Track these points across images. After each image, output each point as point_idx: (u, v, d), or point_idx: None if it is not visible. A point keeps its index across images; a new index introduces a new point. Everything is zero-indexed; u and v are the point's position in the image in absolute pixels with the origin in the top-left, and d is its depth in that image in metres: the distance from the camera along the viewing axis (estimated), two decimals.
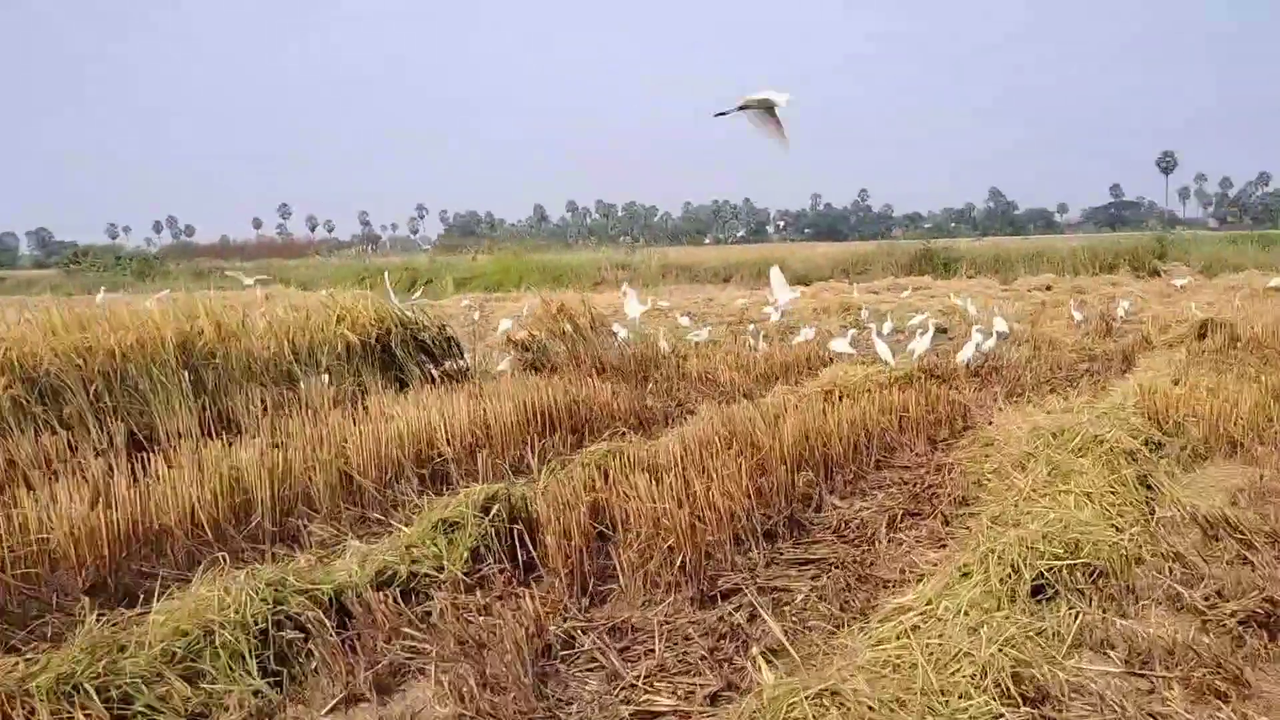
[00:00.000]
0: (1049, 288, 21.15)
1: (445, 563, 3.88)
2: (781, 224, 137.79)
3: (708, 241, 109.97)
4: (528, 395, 6.56)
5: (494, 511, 4.14)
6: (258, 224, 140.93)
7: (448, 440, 5.80)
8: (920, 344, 10.48)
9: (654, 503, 4.21)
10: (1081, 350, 11.22)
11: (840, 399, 7.17)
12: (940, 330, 13.60)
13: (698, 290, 25.16)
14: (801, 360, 10.04)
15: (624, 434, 6.10)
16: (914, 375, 8.34)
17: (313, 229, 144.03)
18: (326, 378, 7.30)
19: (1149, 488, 5.01)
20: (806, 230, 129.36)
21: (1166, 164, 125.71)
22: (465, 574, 3.90)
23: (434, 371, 7.90)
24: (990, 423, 6.94)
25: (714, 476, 4.66)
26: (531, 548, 4.17)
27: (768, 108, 5.07)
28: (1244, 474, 5.62)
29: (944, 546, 4.55)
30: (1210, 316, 11.17)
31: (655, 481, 4.53)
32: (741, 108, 5.06)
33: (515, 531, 4.11)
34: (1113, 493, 4.66)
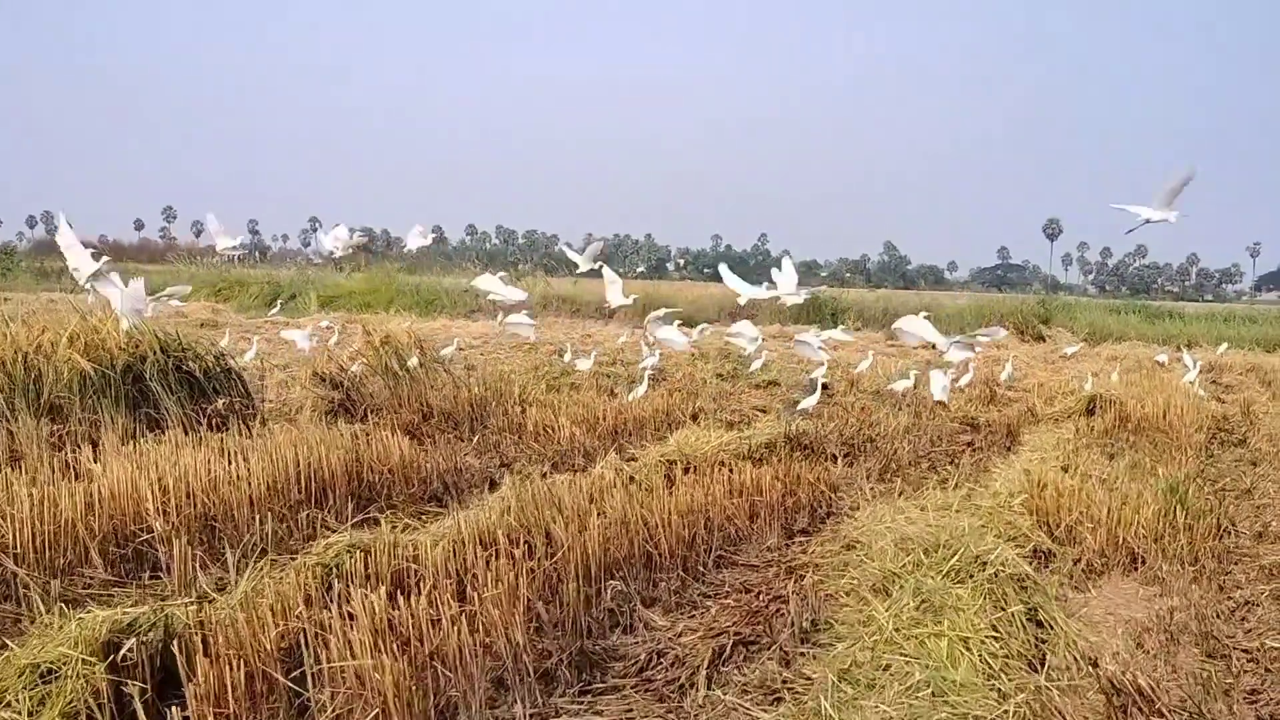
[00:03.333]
0: (934, 346, 20.61)
1: None
2: (682, 262, 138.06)
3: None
4: (295, 452, 5.23)
5: (126, 649, 2.83)
6: (139, 225, 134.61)
7: (161, 511, 4.44)
8: (808, 401, 9.71)
9: (373, 641, 2.96)
10: (964, 418, 10.41)
11: (685, 472, 6.04)
12: (824, 387, 12.72)
13: (577, 326, 23.99)
14: (660, 414, 8.94)
15: (410, 516, 4.83)
16: (776, 444, 7.29)
17: (198, 234, 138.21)
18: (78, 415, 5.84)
19: (1039, 623, 3.99)
20: (706, 270, 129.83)
21: (1052, 231, 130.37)
22: None
23: (204, 411, 6.45)
24: (856, 508, 5.93)
25: (480, 595, 3.44)
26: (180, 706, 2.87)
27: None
28: (1147, 600, 4.68)
29: (778, 701, 3.42)
30: (1099, 392, 10.49)
31: (394, 600, 3.29)
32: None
33: (142, 687, 2.79)
34: (995, 636, 3.60)
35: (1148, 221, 6.44)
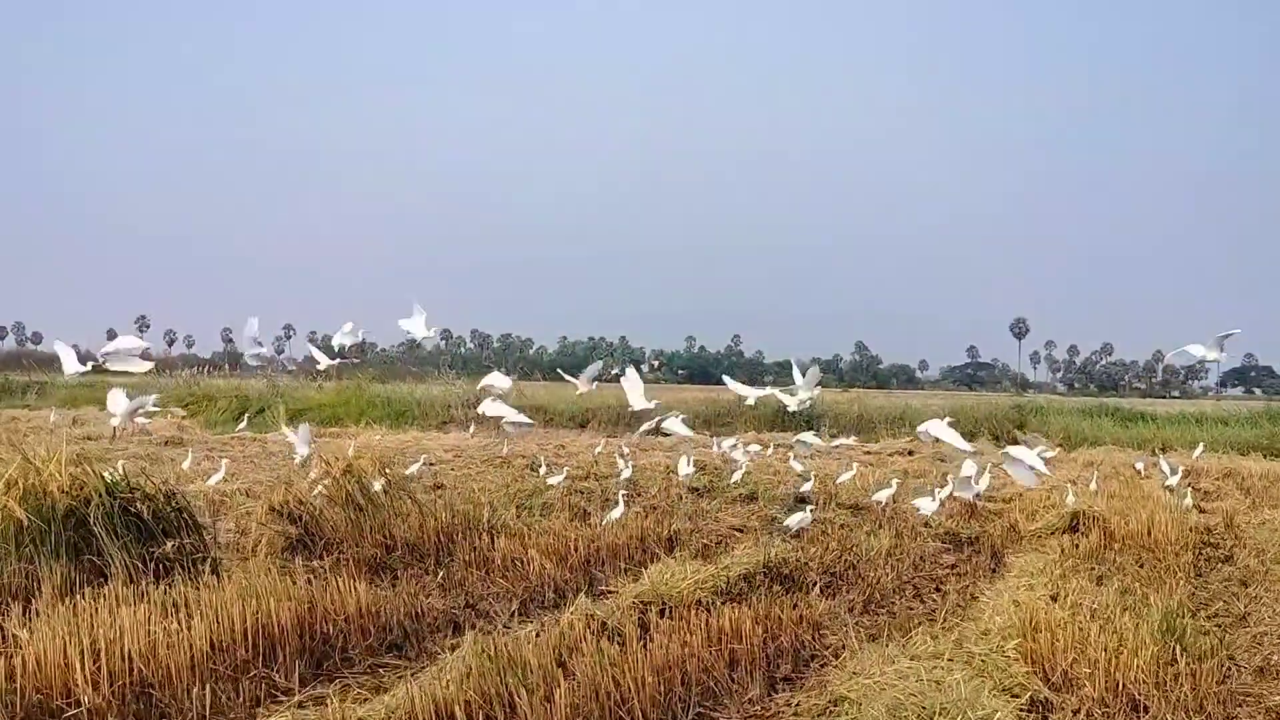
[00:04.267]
0: (911, 453, 20.48)
1: None
2: (656, 364, 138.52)
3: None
4: (241, 605, 4.89)
5: None
6: (112, 335, 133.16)
7: (91, 681, 4.08)
8: (797, 520, 9.37)
9: None
10: (945, 535, 10.16)
11: (661, 615, 5.73)
12: (800, 500, 12.47)
13: (551, 436, 23.72)
14: (634, 540, 8.62)
15: (357, 682, 4.48)
16: (755, 575, 7.00)
17: (170, 344, 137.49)
18: None
19: None
20: (680, 371, 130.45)
21: (1019, 330, 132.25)
22: None
23: (152, 555, 6.05)
24: (843, 648, 5.63)
25: None
26: None
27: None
28: None
29: None
30: (1082, 508, 10.30)
31: None
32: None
33: None
34: None
35: (1202, 360, 7.44)
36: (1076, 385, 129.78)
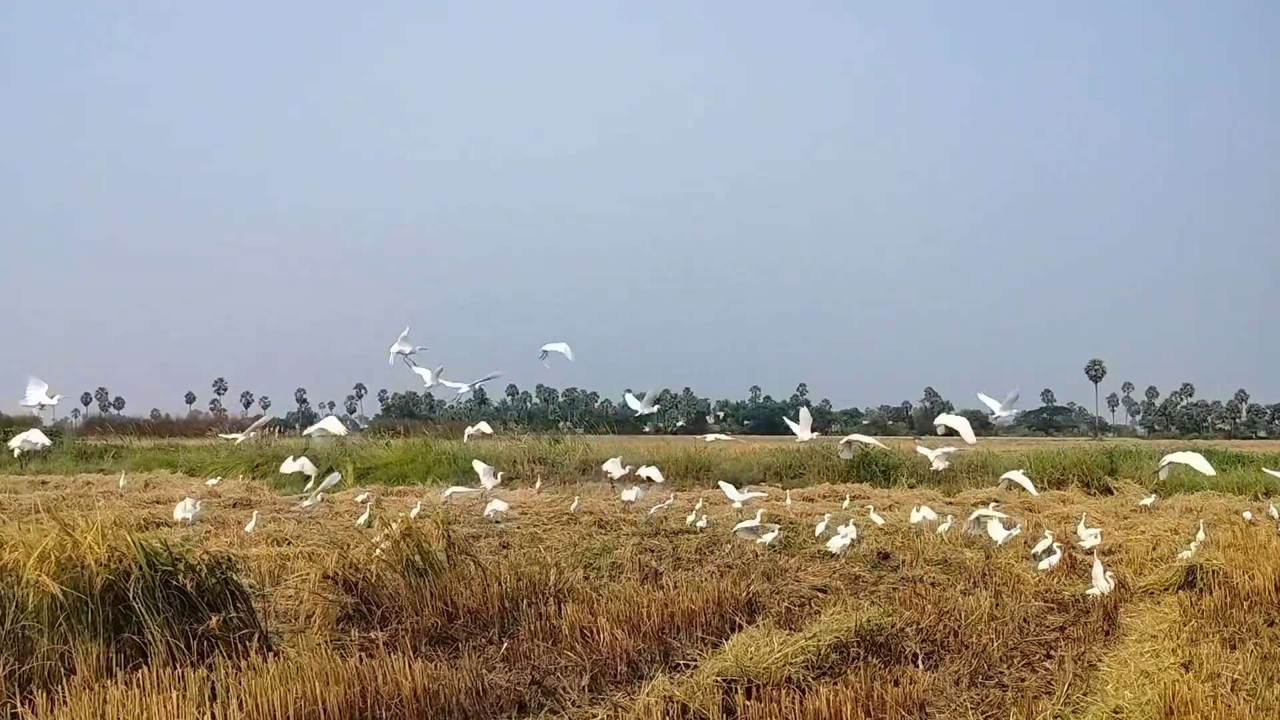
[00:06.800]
0: (997, 501, 19.50)
1: None
2: (721, 414, 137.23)
3: (647, 430, 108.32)
4: (282, 693, 4.42)
5: None
6: (190, 398, 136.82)
7: None
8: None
9: None
10: (1048, 594, 9.35)
11: (748, 695, 5.14)
12: (883, 557, 11.75)
13: (619, 490, 23.14)
14: (711, 604, 8.01)
15: None
16: (848, 644, 6.36)
17: (247, 405, 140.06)
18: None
19: None
20: (746, 422, 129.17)
21: (1095, 372, 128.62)
22: None
23: (195, 632, 5.63)
24: None
25: None
26: None
27: None
28: None
29: None
30: (1198, 561, 9.42)
31: None
32: None
33: None
34: None
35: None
36: (1157, 428, 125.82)
